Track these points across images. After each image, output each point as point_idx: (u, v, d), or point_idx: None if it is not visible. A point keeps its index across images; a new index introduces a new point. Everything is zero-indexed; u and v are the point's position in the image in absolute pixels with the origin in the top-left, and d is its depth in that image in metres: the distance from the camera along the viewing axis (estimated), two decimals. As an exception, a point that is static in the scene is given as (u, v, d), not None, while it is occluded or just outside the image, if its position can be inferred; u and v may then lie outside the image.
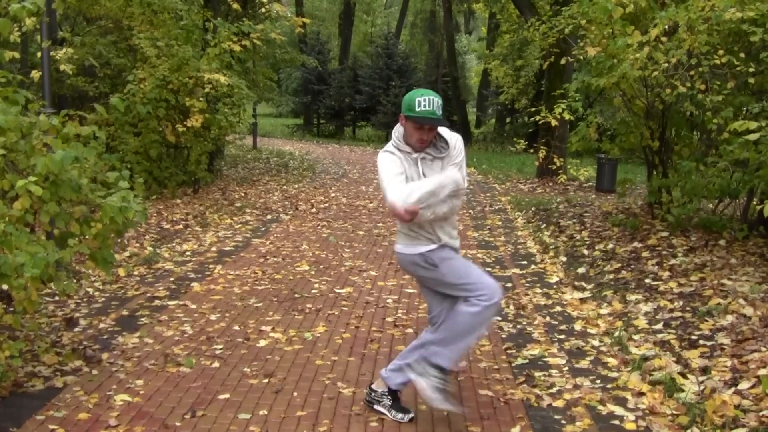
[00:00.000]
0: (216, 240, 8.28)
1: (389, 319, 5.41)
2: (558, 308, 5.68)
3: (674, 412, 3.69)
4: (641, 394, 3.94)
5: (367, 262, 7.33)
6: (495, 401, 3.92)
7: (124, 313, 5.47)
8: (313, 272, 6.86)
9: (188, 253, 7.58)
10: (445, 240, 3.57)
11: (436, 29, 30.53)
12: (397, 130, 3.53)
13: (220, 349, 4.71)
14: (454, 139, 3.54)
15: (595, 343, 4.84)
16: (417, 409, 3.82)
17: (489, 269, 7.03)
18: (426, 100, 3.35)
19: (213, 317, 5.39)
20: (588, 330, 5.12)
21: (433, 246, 3.55)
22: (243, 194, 12.11)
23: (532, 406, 3.85)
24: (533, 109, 11.56)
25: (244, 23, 11.46)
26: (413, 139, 3.43)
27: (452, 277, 3.52)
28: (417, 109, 3.34)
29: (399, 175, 3.40)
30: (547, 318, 5.43)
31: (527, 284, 6.48)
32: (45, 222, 4.03)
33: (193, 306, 5.67)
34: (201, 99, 10.54)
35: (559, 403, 3.87)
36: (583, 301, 5.86)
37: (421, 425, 3.64)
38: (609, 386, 4.09)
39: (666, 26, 6.76)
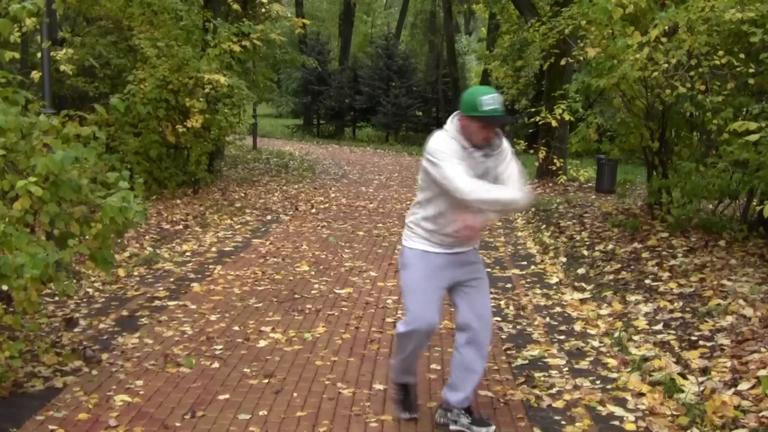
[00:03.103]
0: (216, 240, 8.28)
1: (389, 320, 5.41)
2: (558, 309, 5.68)
3: (674, 412, 3.69)
4: (641, 394, 3.94)
5: (367, 263, 7.33)
6: (495, 402, 3.92)
7: (124, 313, 5.46)
8: (312, 273, 6.86)
9: (188, 254, 7.58)
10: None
11: (436, 30, 30.50)
12: (454, 125, 3.39)
13: (220, 349, 4.71)
14: (503, 140, 3.45)
15: (595, 343, 4.84)
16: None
17: (489, 270, 7.03)
18: (492, 99, 3.27)
19: (213, 318, 5.39)
20: (588, 331, 5.12)
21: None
22: (243, 195, 12.11)
23: (532, 406, 3.85)
24: (533, 110, 11.55)
25: (244, 24, 11.47)
26: (479, 138, 3.33)
27: (402, 282, 3.58)
28: (484, 108, 3.25)
29: (461, 164, 3.29)
30: (547, 319, 5.43)
31: (527, 285, 6.48)
32: (45, 222, 4.03)
33: (193, 306, 5.67)
34: (201, 99, 10.55)
35: (559, 404, 3.87)
36: (582, 301, 5.86)
37: (421, 425, 3.64)
38: (609, 387, 4.09)
39: (666, 27, 6.76)
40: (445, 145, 3.35)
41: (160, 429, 3.57)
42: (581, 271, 6.82)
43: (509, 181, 3.38)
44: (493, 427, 3.56)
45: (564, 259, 7.39)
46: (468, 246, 3.54)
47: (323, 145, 26.06)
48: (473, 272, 3.56)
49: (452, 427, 3.58)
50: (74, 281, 6.05)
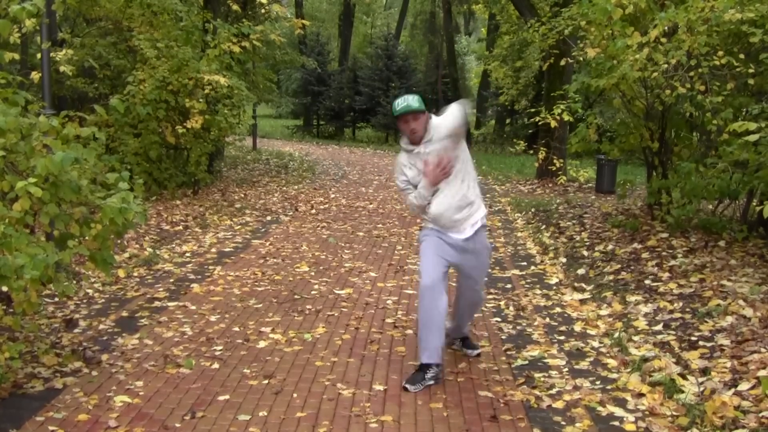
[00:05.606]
0: (216, 241, 8.28)
1: (389, 321, 5.41)
2: (558, 309, 5.68)
3: (674, 413, 3.69)
4: (641, 395, 3.94)
5: (366, 264, 7.33)
6: (495, 402, 3.92)
7: (124, 314, 5.46)
8: (312, 273, 6.86)
9: (188, 255, 7.58)
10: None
11: (436, 30, 30.54)
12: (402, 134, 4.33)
13: (220, 350, 4.71)
14: (439, 119, 4.22)
15: (595, 344, 4.84)
16: (416, 409, 3.82)
17: (489, 270, 7.03)
18: (402, 99, 4.19)
19: (213, 318, 5.39)
20: (588, 331, 5.12)
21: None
22: (243, 195, 12.11)
23: (531, 407, 3.86)
24: (533, 110, 11.57)
25: (243, 24, 11.47)
26: (407, 132, 4.21)
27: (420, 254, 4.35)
28: (397, 109, 4.17)
29: (402, 187, 4.32)
30: (547, 319, 5.43)
31: (527, 285, 6.48)
32: (45, 223, 4.02)
33: (193, 307, 5.67)
34: (201, 100, 10.54)
35: (558, 405, 3.87)
36: (582, 302, 5.86)
37: (421, 426, 3.65)
38: (609, 387, 4.09)
39: (665, 27, 6.76)
40: (397, 164, 4.34)
41: (160, 430, 3.56)
42: (581, 271, 6.82)
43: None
44: (479, 351, 4.63)
45: (564, 260, 7.39)
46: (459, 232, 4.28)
47: (323, 145, 26.07)
48: (470, 261, 4.32)
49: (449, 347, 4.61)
50: (74, 282, 6.05)
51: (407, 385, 4.07)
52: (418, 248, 4.47)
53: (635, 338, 4.85)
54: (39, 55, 8.10)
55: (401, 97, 4.23)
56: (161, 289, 6.17)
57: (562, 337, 5.00)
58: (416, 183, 4.21)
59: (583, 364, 4.47)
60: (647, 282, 6.10)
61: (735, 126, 5.44)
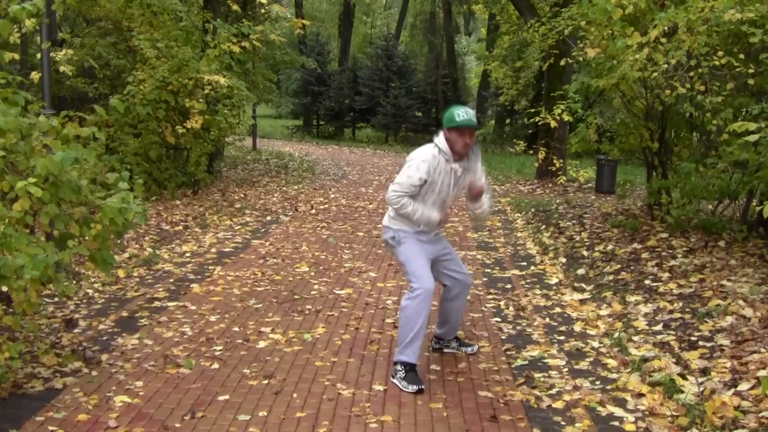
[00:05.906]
0: (215, 241, 8.28)
1: (389, 321, 5.41)
2: (557, 309, 5.69)
3: (674, 413, 3.69)
4: (641, 395, 3.94)
5: (366, 264, 7.33)
6: (495, 402, 3.92)
7: (124, 314, 5.46)
8: (312, 273, 6.86)
9: (188, 255, 7.58)
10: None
11: (436, 30, 30.52)
12: (440, 140, 4.21)
13: (220, 350, 4.71)
14: (476, 149, 4.33)
15: (595, 344, 4.84)
16: (416, 409, 3.82)
17: (488, 270, 7.04)
18: (462, 111, 4.14)
19: (212, 318, 5.39)
20: (588, 331, 5.12)
21: (410, 229, 4.27)
22: (242, 195, 12.11)
23: (531, 407, 3.86)
24: (533, 111, 11.56)
25: (243, 24, 11.47)
26: (459, 146, 4.15)
27: (401, 257, 4.30)
28: (458, 120, 4.09)
29: (416, 183, 4.16)
30: (547, 319, 5.43)
31: (527, 285, 6.48)
32: (45, 223, 4.03)
33: (193, 307, 5.67)
34: (201, 100, 10.54)
35: (558, 405, 3.87)
36: (582, 302, 5.86)
37: (421, 426, 3.64)
38: (608, 387, 4.09)
39: (665, 27, 6.76)
40: (424, 162, 4.16)
41: (159, 430, 3.57)
42: (581, 271, 6.82)
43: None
44: (476, 347, 4.70)
45: (564, 260, 7.39)
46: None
47: (323, 145, 26.05)
48: (443, 248, 4.43)
49: (445, 350, 4.67)
50: (74, 282, 6.04)
51: (419, 387, 4.03)
52: (393, 250, 4.36)
53: (635, 338, 4.85)
54: (39, 55, 8.10)
55: (459, 108, 4.17)
56: (161, 289, 6.17)
57: (562, 337, 5.00)
58: (433, 189, 4.21)
59: (583, 364, 4.47)
60: (647, 282, 6.10)
61: (735, 126, 5.44)
